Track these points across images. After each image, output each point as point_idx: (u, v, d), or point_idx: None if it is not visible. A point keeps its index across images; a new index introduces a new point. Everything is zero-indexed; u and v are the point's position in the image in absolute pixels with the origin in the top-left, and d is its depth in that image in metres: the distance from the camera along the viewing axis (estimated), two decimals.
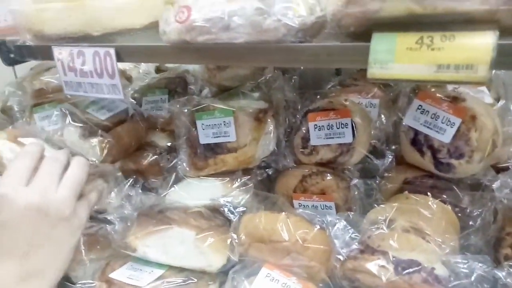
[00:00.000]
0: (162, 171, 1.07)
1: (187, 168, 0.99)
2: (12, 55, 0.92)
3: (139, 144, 1.13)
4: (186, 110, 0.98)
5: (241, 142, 0.93)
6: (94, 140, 1.00)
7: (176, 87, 1.20)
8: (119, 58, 0.78)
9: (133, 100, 1.24)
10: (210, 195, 0.92)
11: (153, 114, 1.19)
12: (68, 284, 0.86)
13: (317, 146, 0.93)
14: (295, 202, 0.95)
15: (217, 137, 0.95)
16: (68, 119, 1.01)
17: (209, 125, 0.95)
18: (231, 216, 0.83)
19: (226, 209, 0.84)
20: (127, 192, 0.97)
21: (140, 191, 0.98)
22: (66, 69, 0.84)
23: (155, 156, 1.07)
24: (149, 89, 1.25)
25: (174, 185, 0.99)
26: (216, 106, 0.95)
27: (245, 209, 0.83)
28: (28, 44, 0.87)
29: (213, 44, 0.65)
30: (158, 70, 1.30)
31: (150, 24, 0.84)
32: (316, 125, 0.92)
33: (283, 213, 0.78)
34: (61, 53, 0.83)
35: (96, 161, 0.97)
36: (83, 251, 0.87)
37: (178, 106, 0.99)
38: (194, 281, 0.78)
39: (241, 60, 0.66)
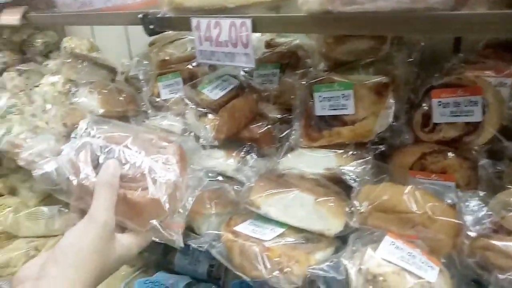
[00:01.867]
0: (274, 140, 1.12)
1: (301, 139, 1.02)
2: (152, 26, 1.02)
3: (251, 118, 1.19)
4: (304, 83, 1.01)
5: (359, 116, 0.94)
6: (206, 120, 1.09)
7: (288, 61, 1.24)
8: (255, 29, 0.83)
9: (245, 73, 1.31)
10: (324, 165, 0.96)
11: (265, 87, 1.24)
12: (193, 234, 0.96)
13: (439, 123, 0.90)
14: (411, 180, 0.94)
15: (334, 109, 0.97)
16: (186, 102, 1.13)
17: (327, 97, 0.98)
18: (353, 184, 0.85)
19: (347, 177, 0.86)
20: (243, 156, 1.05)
21: (255, 156, 1.05)
22: (202, 39, 0.92)
23: (269, 126, 1.12)
24: (261, 64, 1.30)
25: (288, 154, 1.04)
26: (336, 79, 0.96)
27: (367, 178, 0.85)
28: (168, 16, 0.96)
29: (355, 13, 0.66)
30: (268, 45, 1.35)
31: None
32: (440, 102, 0.89)
33: (410, 185, 0.79)
34: (199, 23, 0.91)
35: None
36: (207, 206, 0.95)
37: (296, 78, 1.03)
38: (313, 243, 0.82)
39: (386, 29, 0.66)
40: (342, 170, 0.90)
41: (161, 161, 0.70)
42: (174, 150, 0.74)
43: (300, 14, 0.75)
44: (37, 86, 1.54)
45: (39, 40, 2.02)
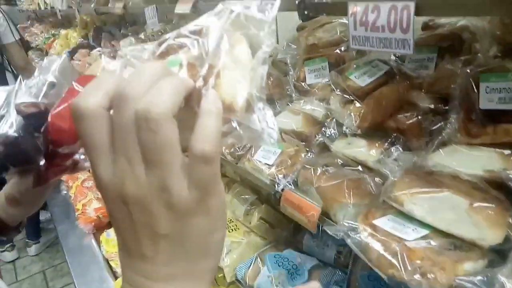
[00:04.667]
0: (424, 132, 1.03)
1: (458, 133, 0.92)
2: (306, 12, 1.03)
3: (400, 107, 1.12)
4: (468, 70, 0.90)
5: None
6: (351, 108, 1.06)
7: (449, 45, 1.11)
8: (418, 12, 0.77)
9: (396, 58, 1.23)
10: (484, 165, 0.84)
11: (418, 74, 1.14)
12: (330, 221, 0.97)
13: None
14: None
15: (504, 103, 0.84)
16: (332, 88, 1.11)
17: (497, 88, 0.85)
18: None
19: None
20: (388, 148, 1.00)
21: (400, 149, 0.99)
22: (357, 24, 0.89)
23: (418, 117, 1.04)
24: (416, 47, 1.20)
25: (439, 149, 0.95)
26: (510, 67, 0.83)
27: None
28: (324, 1, 0.96)
29: None
30: (426, 26, 1.23)
31: None
32: None
33: None
34: (356, 8, 0.88)
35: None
36: (346, 194, 0.95)
37: (458, 65, 0.92)
38: (462, 251, 0.74)
39: None
40: (509, 174, 0.78)
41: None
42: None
43: None
44: None
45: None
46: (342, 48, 1.25)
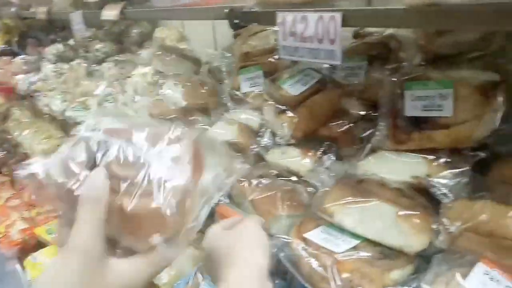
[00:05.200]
0: (355, 140, 1.04)
1: (386, 140, 0.93)
2: (237, 21, 1.01)
3: (332, 115, 1.12)
4: (395, 79, 0.91)
5: (458, 119, 0.82)
6: (284, 117, 1.05)
7: (377, 53, 1.13)
8: (345, 23, 0.76)
9: (329, 66, 1.23)
10: (410, 172, 0.86)
11: (349, 81, 1.16)
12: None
13: None
14: None
15: (428, 110, 0.86)
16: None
17: (421, 96, 0.87)
18: (443, 199, 0.75)
19: (436, 190, 0.76)
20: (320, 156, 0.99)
21: (333, 157, 0.99)
22: (286, 34, 0.88)
23: (350, 124, 1.04)
24: (346, 55, 1.21)
25: (369, 156, 0.95)
26: (433, 76, 0.85)
27: (462, 192, 0.74)
28: (254, 10, 0.94)
29: (469, 6, 0.56)
30: (357, 35, 1.26)
31: None
32: None
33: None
34: (284, 18, 0.87)
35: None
36: (279, 207, 0.92)
37: (386, 73, 0.94)
38: (390, 259, 0.74)
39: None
40: (431, 182, 0.79)
41: (168, 159, 0.53)
42: (186, 146, 0.56)
43: (398, 7, 0.67)
44: (129, 77, 1.65)
45: (135, 31, 2.17)
46: (276, 57, 1.24)
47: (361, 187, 0.83)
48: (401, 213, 0.75)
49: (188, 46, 2.04)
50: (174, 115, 1.38)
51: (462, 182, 0.76)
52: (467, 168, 0.78)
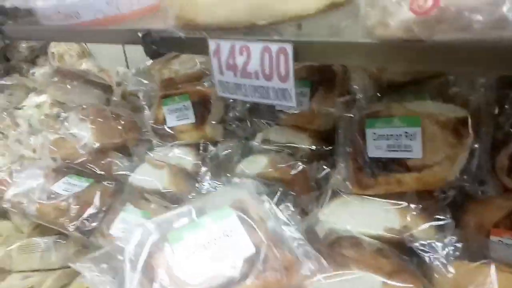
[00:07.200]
0: (309, 182, 0.90)
1: (348, 184, 0.81)
2: (155, 47, 0.79)
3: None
4: (352, 115, 0.79)
5: (429, 160, 0.73)
6: None
7: (321, 78, 1.01)
8: (297, 57, 0.61)
9: None
10: (383, 222, 0.74)
11: (292, 111, 1.02)
12: None
13: None
14: (493, 239, 0.73)
15: (393, 150, 0.76)
16: None
17: (384, 135, 0.76)
18: (426, 258, 0.65)
19: (420, 249, 0.65)
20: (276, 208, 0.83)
21: (292, 208, 0.84)
22: (223, 67, 0.69)
23: (303, 166, 0.90)
24: None
25: (330, 203, 0.82)
26: (396, 112, 0.74)
27: (451, 258, 0.64)
28: (178, 36, 0.73)
29: (456, 43, 0.45)
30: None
31: (325, 8, 0.66)
32: None
33: (492, 264, 0.58)
34: (219, 47, 0.68)
35: None
36: None
37: (340, 106, 0.81)
38: None
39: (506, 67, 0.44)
40: (411, 239, 0.68)
41: None
42: None
43: (366, 41, 0.53)
44: (20, 109, 1.32)
45: (24, 45, 1.80)
46: (206, 84, 1.05)
47: (335, 252, 0.68)
48: (388, 282, 0.63)
49: (93, 64, 1.75)
50: (83, 159, 1.12)
51: (449, 241, 0.66)
52: (449, 221, 0.68)
